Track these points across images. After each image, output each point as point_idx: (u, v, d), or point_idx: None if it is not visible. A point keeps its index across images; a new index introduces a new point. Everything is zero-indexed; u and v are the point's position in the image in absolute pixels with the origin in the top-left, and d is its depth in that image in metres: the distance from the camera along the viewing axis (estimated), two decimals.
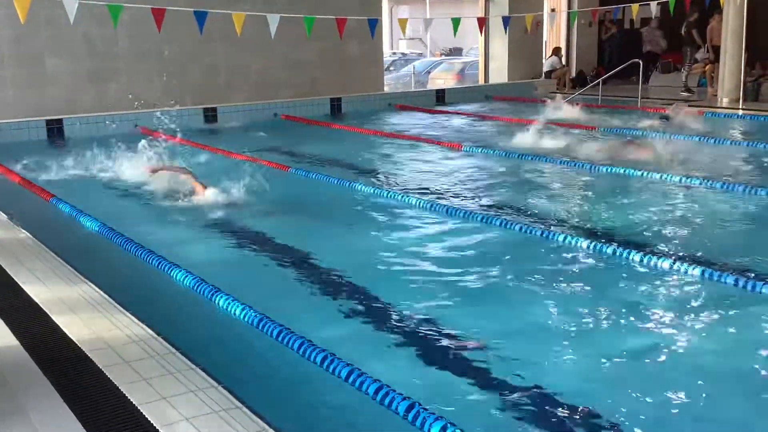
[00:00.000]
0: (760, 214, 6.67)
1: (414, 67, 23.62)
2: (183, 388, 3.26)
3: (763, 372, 3.74)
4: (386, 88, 17.52)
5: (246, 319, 4.21)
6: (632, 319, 4.37)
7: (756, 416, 3.36)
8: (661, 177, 7.94)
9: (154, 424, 2.95)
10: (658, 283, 4.93)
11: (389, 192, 7.56)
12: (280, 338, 3.91)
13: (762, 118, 12.33)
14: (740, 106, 13.53)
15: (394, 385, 3.34)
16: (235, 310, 4.32)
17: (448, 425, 3.02)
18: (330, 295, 4.80)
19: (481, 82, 18.56)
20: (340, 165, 9.24)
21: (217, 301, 4.48)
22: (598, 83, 15.21)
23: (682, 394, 3.51)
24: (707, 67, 16.00)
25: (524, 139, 10.68)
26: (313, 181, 8.23)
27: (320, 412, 3.38)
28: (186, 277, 4.87)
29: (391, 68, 25.04)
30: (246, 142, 10.71)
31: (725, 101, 14.01)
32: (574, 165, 8.83)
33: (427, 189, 7.82)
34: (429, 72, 23.24)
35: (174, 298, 4.76)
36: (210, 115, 13.23)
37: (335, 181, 8.01)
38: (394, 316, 4.44)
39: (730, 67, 14.01)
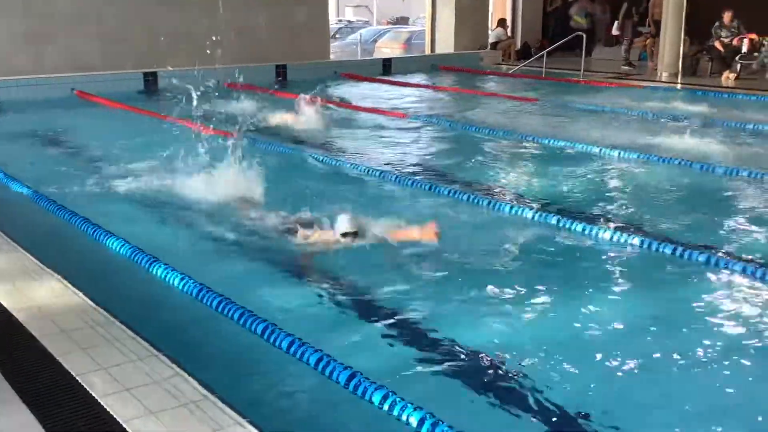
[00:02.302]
0: (693, 186, 6.88)
1: (360, 36, 23.41)
2: (123, 358, 3.22)
3: (699, 338, 3.87)
4: (332, 56, 17.33)
5: (185, 288, 4.17)
6: (571, 286, 4.48)
7: (689, 382, 3.48)
8: (600, 151, 8.09)
9: (94, 395, 2.92)
10: (600, 252, 5.05)
11: (334, 160, 7.54)
12: (219, 308, 3.89)
13: (699, 92, 12.66)
14: (678, 81, 13.86)
15: (335, 356, 3.36)
16: (173, 280, 4.27)
17: (390, 394, 3.06)
18: (271, 265, 4.77)
19: (428, 52, 18.52)
20: (284, 132, 9.14)
21: (155, 271, 4.42)
22: (542, 55, 15.35)
23: (618, 361, 3.62)
24: (648, 41, 16.28)
25: (470, 109, 10.72)
26: (258, 148, 8.14)
27: (261, 382, 3.38)
28: (123, 246, 4.79)
29: (337, 36, 24.79)
30: (190, 108, 10.49)
31: (665, 75, 14.31)
32: (517, 136, 8.93)
33: (370, 156, 7.82)
34: (375, 41, 23.07)
35: (112, 267, 4.68)
36: (150, 80, 12.90)
37: (280, 149, 7.93)
38: (336, 286, 4.44)
39: (670, 41, 14.30)
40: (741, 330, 3.97)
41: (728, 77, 13.80)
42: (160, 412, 2.80)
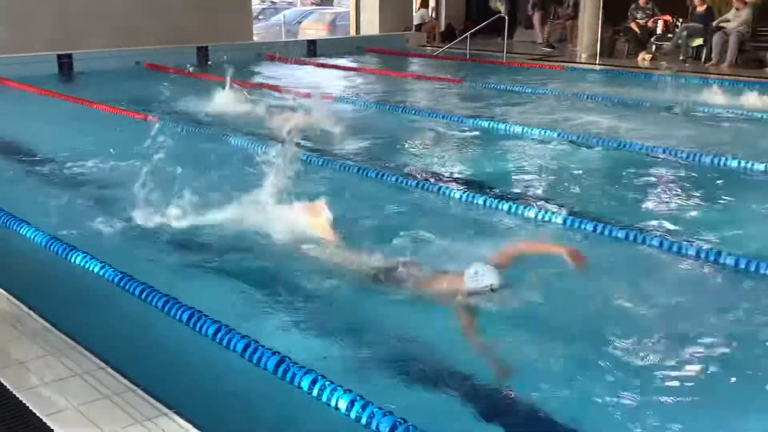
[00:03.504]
0: (612, 164, 7.09)
1: (284, 17, 23.10)
2: (40, 351, 3.11)
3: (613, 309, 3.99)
4: (255, 38, 17.05)
5: (106, 276, 4.05)
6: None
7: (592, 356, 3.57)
8: (523, 130, 8.24)
9: (12, 391, 2.81)
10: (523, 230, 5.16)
11: (258, 144, 7.42)
12: (143, 296, 3.79)
13: (618, 72, 13.04)
14: (597, 62, 14.21)
15: (262, 340, 3.33)
16: (94, 268, 4.14)
17: (319, 378, 3.05)
18: (193, 252, 4.68)
19: (353, 33, 18.44)
20: (210, 116, 8.95)
21: (74, 260, 4.27)
22: (466, 37, 15.49)
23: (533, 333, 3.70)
24: (567, 22, 16.63)
25: (397, 91, 10.73)
26: (184, 133, 7.96)
27: (187, 370, 3.32)
28: (36, 234, 4.61)
29: (260, 17, 24.37)
30: (107, 92, 10.17)
31: (584, 56, 14.65)
32: (444, 118, 9.01)
33: (298, 140, 7.72)
34: (300, 22, 22.81)
35: (27, 258, 4.51)
36: (65, 62, 12.41)
37: (206, 132, 7.78)
38: (258, 270, 4.38)
39: (588, 23, 14.63)
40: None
41: (644, 58, 14.22)
42: (82, 406, 2.72)
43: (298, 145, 7.19)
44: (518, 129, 8.28)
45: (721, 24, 13.49)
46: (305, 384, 3.04)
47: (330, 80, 12.52)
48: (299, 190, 5.60)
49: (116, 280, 3.99)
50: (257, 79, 12.25)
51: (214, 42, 14.25)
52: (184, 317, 3.57)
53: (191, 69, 11.82)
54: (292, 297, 4.08)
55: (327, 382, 3.01)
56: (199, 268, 4.45)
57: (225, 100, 9.48)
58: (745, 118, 9.05)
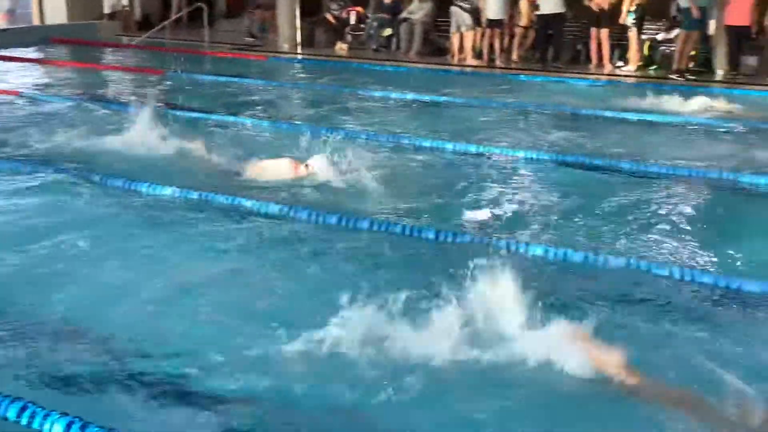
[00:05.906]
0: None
1: None
2: None
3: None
4: None
5: None
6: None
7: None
8: (231, 120, 8.20)
9: None
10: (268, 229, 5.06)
11: None
12: None
13: (317, 61, 13.52)
14: (298, 51, 14.60)
15: None
16: None
17: (28, 405, 2.77)
18: None
19: (37, 22, 16.85)
20: None
21: None
22: (164, 27, 14.96)
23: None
24: (267, 13, 16.81)
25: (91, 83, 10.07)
26: None
27: None
28: None
29: None
30: None
31: (285, 46, 14.95)
32: (141, 109, 8.58)
33: None
34: None
35: None
36: None
37: None
38: None
39: (286, 14, 14.96)
40: None
41: (341, 47, 14.89)
42: None
43: None
44: (229, 119, 8.25)
45: (407, 15, 14.57)
46: (12, 414, 2.75)
47: (12, 74, 11.31)
48: None
49: None
50: None
51: None
52: None
53: None
54: None
55: (38, 409, 2.74)
56: None
57: None
58: (426, 103, 9.86)
